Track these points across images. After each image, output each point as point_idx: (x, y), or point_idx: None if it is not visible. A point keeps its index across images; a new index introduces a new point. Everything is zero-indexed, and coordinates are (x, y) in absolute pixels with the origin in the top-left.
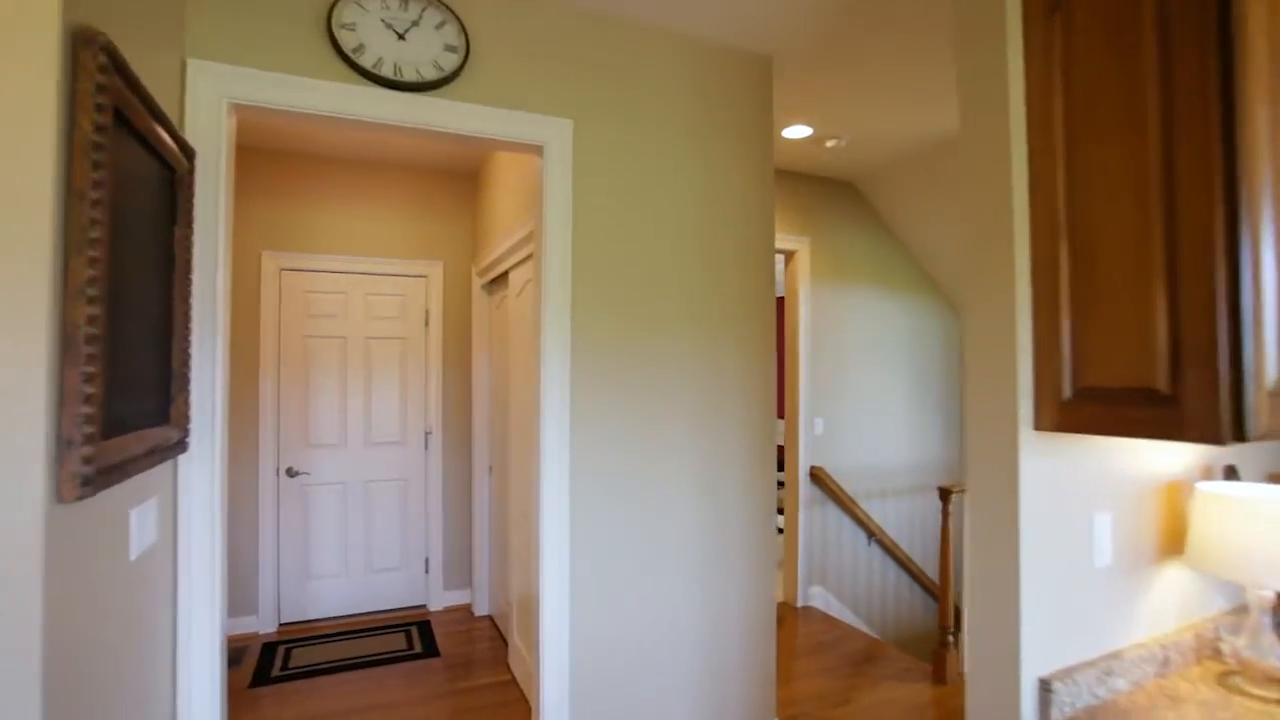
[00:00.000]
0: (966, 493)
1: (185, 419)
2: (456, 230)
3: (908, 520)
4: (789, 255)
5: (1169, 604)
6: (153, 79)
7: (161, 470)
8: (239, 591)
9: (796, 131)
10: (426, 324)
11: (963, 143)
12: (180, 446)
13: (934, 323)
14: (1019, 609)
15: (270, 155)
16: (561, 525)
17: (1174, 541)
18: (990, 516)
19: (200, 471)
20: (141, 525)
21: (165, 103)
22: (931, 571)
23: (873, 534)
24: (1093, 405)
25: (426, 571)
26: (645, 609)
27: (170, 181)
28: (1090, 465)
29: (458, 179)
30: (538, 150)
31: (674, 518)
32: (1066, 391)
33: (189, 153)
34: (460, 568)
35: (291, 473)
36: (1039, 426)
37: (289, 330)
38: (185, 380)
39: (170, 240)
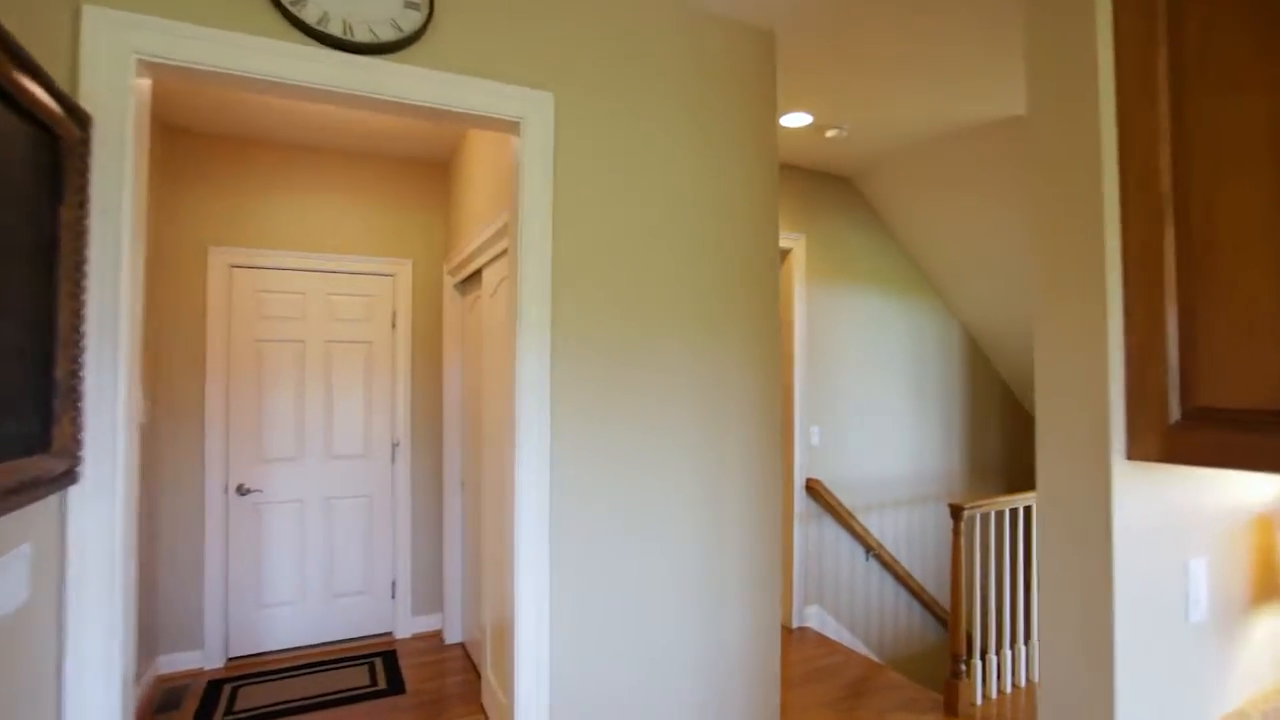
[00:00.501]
0: (1038, 532)
1: (75, 444)
2: (428, 225)
3: (907, 533)
4: (783, 253)
5: (1266, 659)
6: (34, 29)
7: (40, 509)
8: (180, 625)
9: (796, 120)
10: (394, 326)
11: (1033, 112)
12: (68, 478)
13: (931, 326)
14: (1113, 681)
15: (219, 140)
16: (539, 552)
17: (1266, 584)
18: (1072, 565)
19: (97, 508)
20: (2, 583)
21: (51, 57)
22: (933, 588)
23: (871, 549)
24: (1213, 430)
25: (393, 596)
26: (635, 646)
27: (53, 151)
28: (1183, 499)
29: (429, 169)
30: (513, 127)
31: (669, 543)
32: (1174, 413)
33: (81, 118)
34: (430, 591)
35: (243, 490)
36: (1134, 455)
37: (240, 333)
38: (75, 396)
39: (53, 223)
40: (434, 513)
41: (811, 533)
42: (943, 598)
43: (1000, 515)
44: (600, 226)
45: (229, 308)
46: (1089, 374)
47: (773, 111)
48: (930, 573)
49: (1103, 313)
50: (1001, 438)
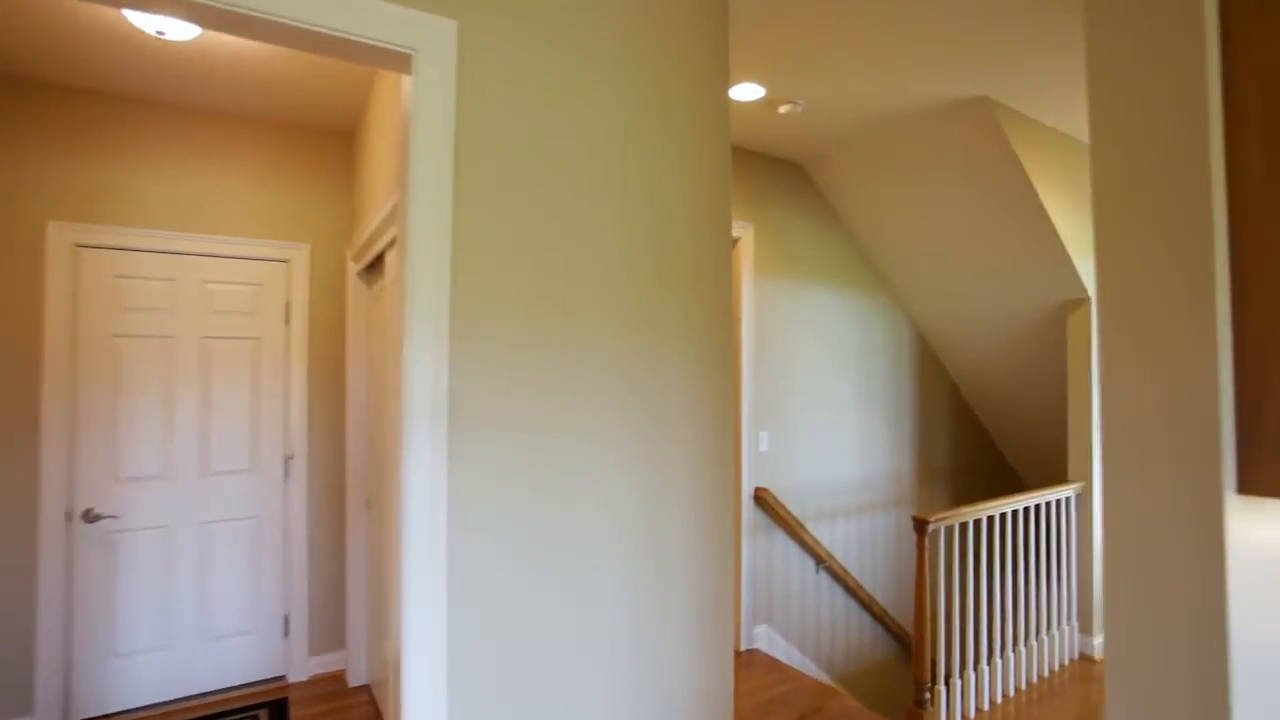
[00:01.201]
0: (1106, 583)
1: None
2: (329, 204)
3: (857, 542)
4: (734, 242)
5: None
6: None
7: None
8: (2, 686)
9: (747, 91)
10: (288, 321)
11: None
12: None
13: (882, 324)
14: None
15: (60, 92)
16: (433, 589)
17: None
18: (1168, 630)
19: None
20: None
21: None
22: (884, 598)
23: (821, 560)
24: None
25: (286, 634)
26: (557, 699)
27: None
28: None
29: (331, 138)
30: (404, 62)
31: (599, 575)
32: None
33: None
34: (331, 626)
35: (91, 516)
36: (1250, 489)
37: (91, 327)
38: None
39: None
40: (336, 535)
41: (760, 546)
42: (894, 607)
43: (965, 527)
44: (515, 193)
45: (74, 296)
46: (1186, 392)
47: (725, 74)
48: (881, 582)
49: (1207, 323)
50: (950, 440)
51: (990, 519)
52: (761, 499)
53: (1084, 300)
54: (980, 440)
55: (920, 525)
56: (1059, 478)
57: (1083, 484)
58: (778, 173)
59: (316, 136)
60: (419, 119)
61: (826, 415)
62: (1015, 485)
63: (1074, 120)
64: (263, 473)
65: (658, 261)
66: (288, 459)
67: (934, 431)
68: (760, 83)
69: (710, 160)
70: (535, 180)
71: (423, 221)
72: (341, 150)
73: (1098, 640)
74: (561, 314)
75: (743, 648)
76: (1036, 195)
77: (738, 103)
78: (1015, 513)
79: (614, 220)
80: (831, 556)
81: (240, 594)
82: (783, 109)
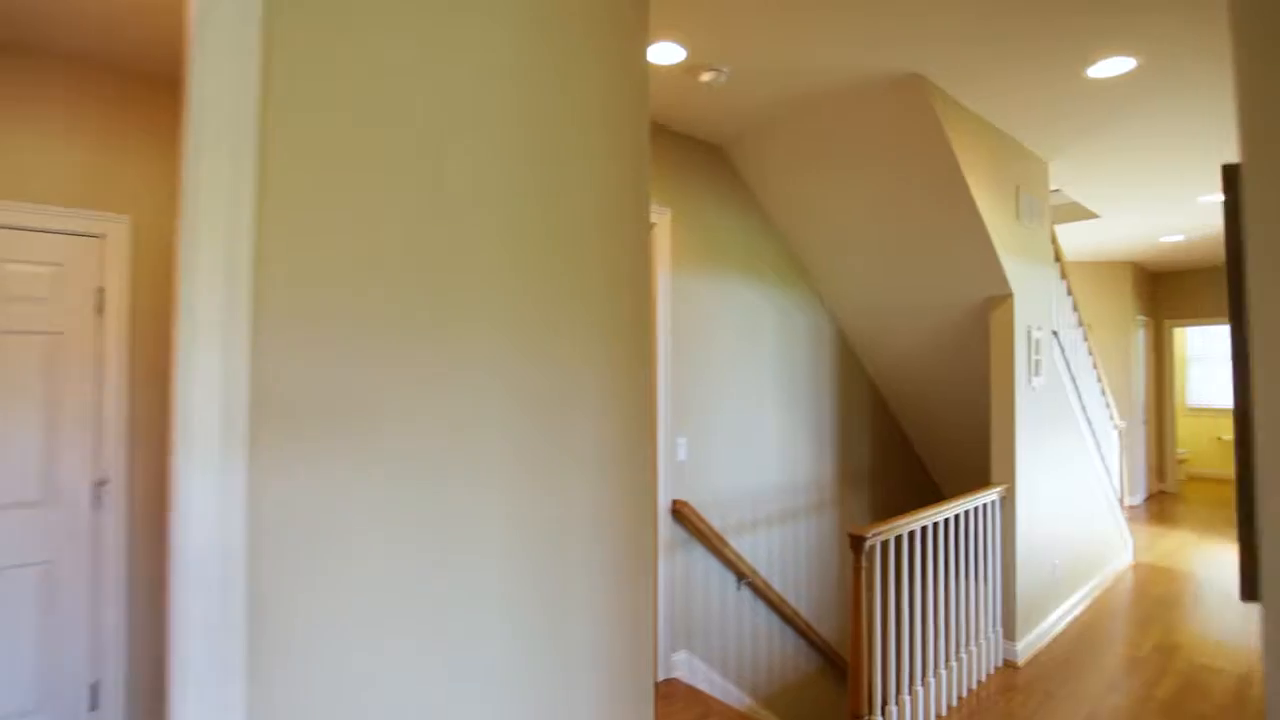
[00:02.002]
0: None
1: None
2: (155, 167)
3: (780, 553)
4: (649, 228)
5: None
6: None
7: None
8: None
9: (666, 53)
10: (100, 311)
11: None
12: None
13: (804, 322)
14: None
15: None
16: (223, 682)
17: None
18: None
19: None
20: None
21: None
22: (807, 610)
23: (743, 576)
24: None
25: (93, 707)
26: None
27: None
28: None
29: (159, 88)
30: None
31: (471, 651)
32: None
33: None
34: (155, 694)
35: None
36: None
37: None
38: None
39: None
40: (162, 579)
41: (679, 565)
42: (817, 619)
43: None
44: (356, 138)
45: None
46: None
47: (643, 21)
48: (804, 594)
49: None
50: (871, 443)
51: (923, 529)
52: (680, 513)
53: (1007, 297)
54: (898, 441)
55: (856, 543)
56: (976, 479)
57: (1006, 486)
58: (698, 155)
59: (143, 84)
60: (203, 36)
61: (748, 419)
62: (931, 487)
63: (999, 106)
64: (61, 502)
65: (559, 248)
66: (99, 485)
67: (855, 434)
68: (681, 44)
69: (625, 117)
70: (384, 125)
71: (209, 175)
72: (169, 100)
73: (1020, 646)
74: (424, 316)
75: (660, 678)
76: (965, 184)
77: (656, 67)
78: (946, 520)
79: (500, 186)
80: (754, 572)
81: (24, 661)
82: (705, 77)
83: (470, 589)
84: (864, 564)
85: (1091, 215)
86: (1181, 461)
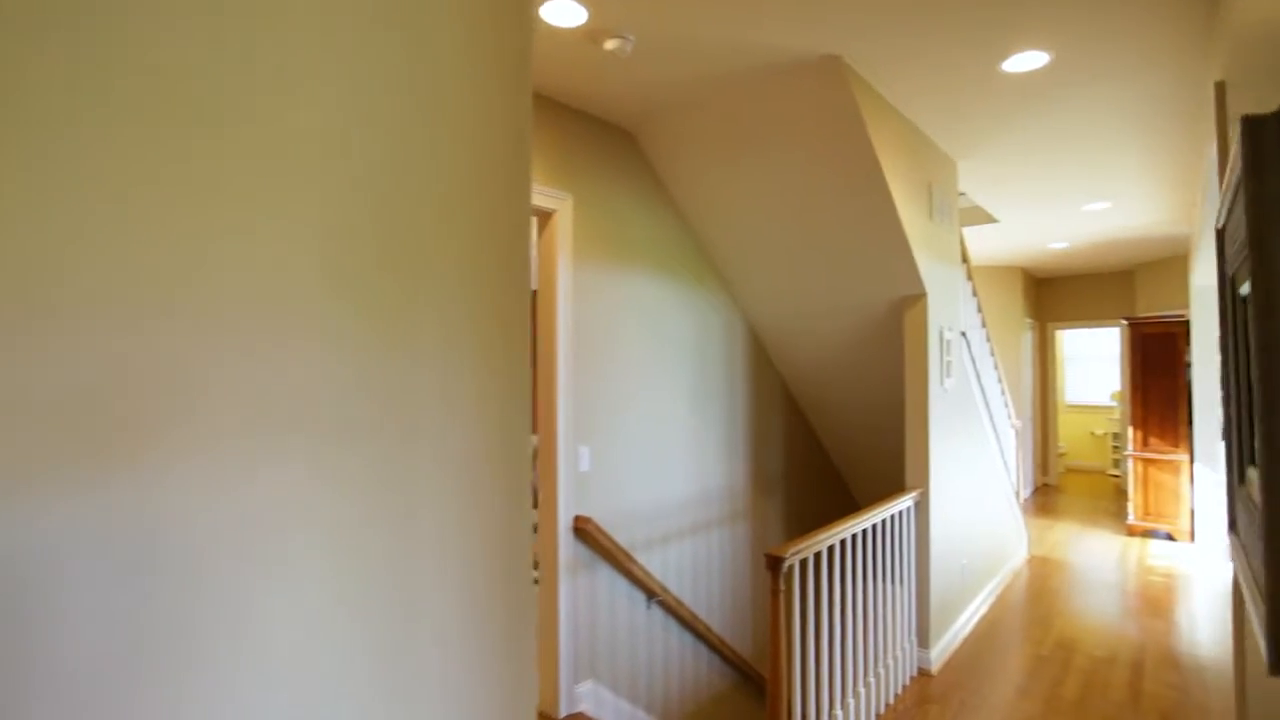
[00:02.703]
0: None
1: None
2: None
3: (691, 567)
4: (544, 215)
5: None
6: None
7: None
8: None
9: (563, 12)
10: None
11: None
12: None
13: (716, 320)
14: None
15: None
16: None
17: None
18: None
19: None
20: None
21: None
22: (719, 624)
23: (653, 594)
24: None
25: None
26: None
27: None
28: None
29: None
30: None
31: None
32: None
33: None
34: None
35: None
36: None
37: None
38: None
39: None
40: None
41: (582, 587)
42: (731, 633)
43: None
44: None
45: None
46: None
47: None
48: (717, 607)
49: None
50: (785, 449)
51: (841, 541)
52: (583, 530)
53: (921, 297)
54: (812, 446)
55: (774, 563)
56: (889, 482)
57: (920, 491)
58: (606, 139)
59: None
60: None
61: (658, 425)
62: (844, 491)
63: (916, 99)
64: None
65: (393, 239)
66: None
67: (769, 440)
68: (581, 2)
69: (499, 86)
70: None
71: None
72: None
73: (934, 653)
74: (205, 296)
75: (563, 714)
76: (883, 177)
77: (553, 29)
78: (864, 531)
79: (319, 153)
80: (665, 589)
81: None
82: (609, 44)
83: (276, 652)
84: (782, 586)
85: (991, 220)
86: (1061, 455)
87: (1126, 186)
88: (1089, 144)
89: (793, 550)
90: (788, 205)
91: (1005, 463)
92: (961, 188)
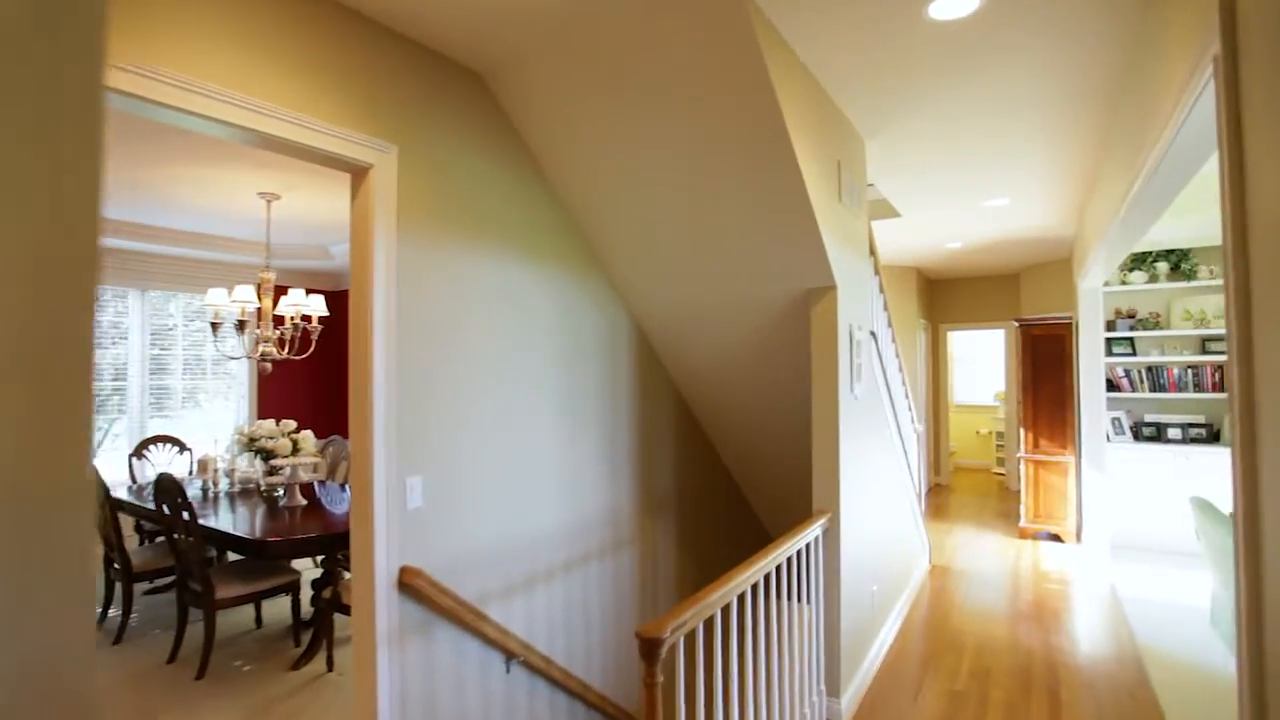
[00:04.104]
0: None
1: None
2: None
3: (564, 612)
4: (357, 170)
5: None
6: None
7: None
8: None
9: None
10: None
11: None
12: None
13: (594, 314)
14: None
15: None
16: None
17: None
18: None
19: None
20: None
21: None
22: (600, 674)
23: (513, 654)
24: None
25: None
26: None
27: None
28: None
29: None
30: None
31: None
32: None
33: None
34: None
35: None
36: None
37: None
38: None
39: None
40: None
41: (415, 659)
42: (614, 682)
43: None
44: None
45: None
46: None
47: None
48: (597, 654)
49: None
50: (676, 462)
51: (739, 596)
52: (410, 585)
53: (830, 289)
54: (708, 459)
55: (650, 648)
56: (793, 495)
57: (830, 516)
58: (450, 81)
59: None
60: None
61: (518, 443)
62: (745, 507)
63: (826, 54)
64: None
65: None
66: None
67: (657, 453)
68: None
69: None
70: None
71: None
72: None
73: (844, 701)
74: None
75: None
76: (789, 142)
77: None
78: (766, 576)
79: None
80: (529, 646)
81: None
82: None
83: None
84: (660, 676)
85: (894, 214)
86: (951, 454)
87: (1027, 183)
88: (1000, 126)
89: (674, 624)
90: (678, 176)
91: (910, 470)
92: (869, 176)
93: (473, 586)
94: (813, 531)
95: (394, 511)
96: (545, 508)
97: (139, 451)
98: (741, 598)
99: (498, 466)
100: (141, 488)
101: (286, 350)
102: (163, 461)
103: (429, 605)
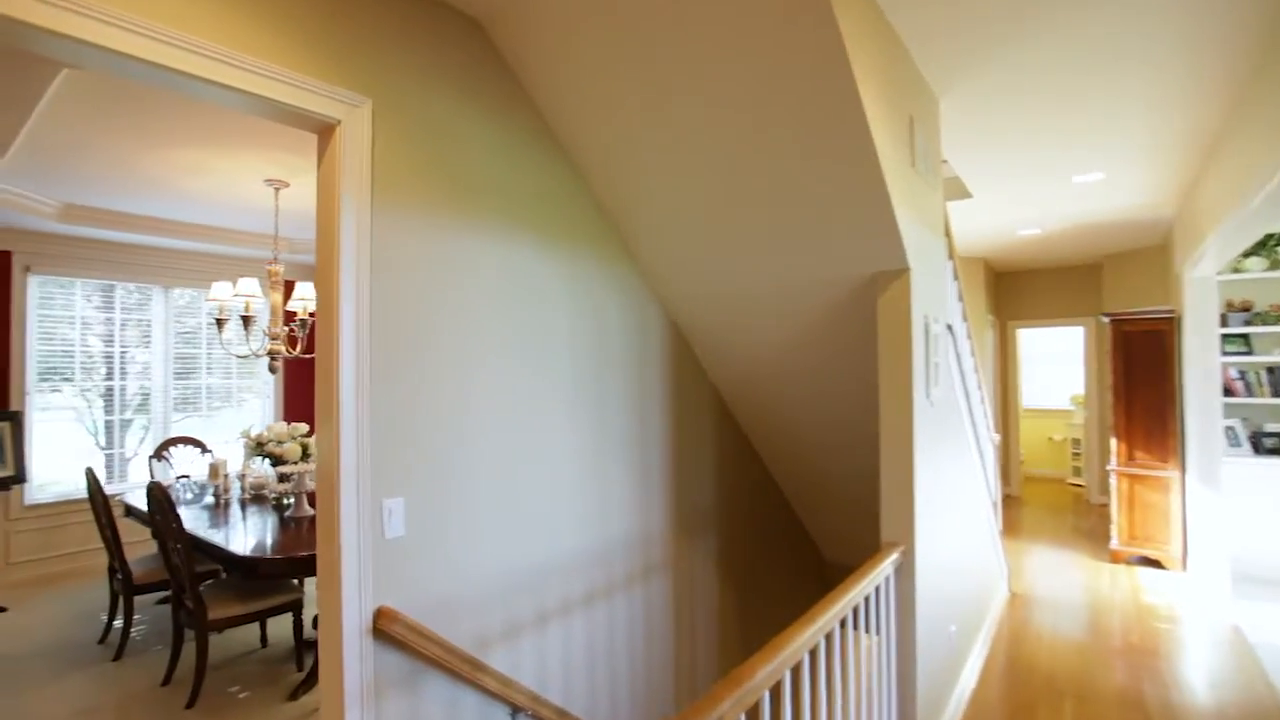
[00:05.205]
0: None
1: None
2: None
3: (586, 653)
4: (322, 133)
5: None
6: None
7: None
8: None
9: None
10: None
11: None
12: None
13: (620, 305)
14: None
15: None
16: None
17: None
18: None
19: None
20: None
21: None
22: (628, 717)
23: (519, 708)
24: None
25: None
26: None
27: None
28: None
29: None
30: None
31: None
32: None
33: None
34: None
35: None
36: None
37: None
38: None
39: None
40: None
41: (394, 718)
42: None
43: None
44: None
45: None
46: None
47: None
48: (625, 697)
49: None
50: (716, 476)
51: (794, 668)
52: (387, 632)
53: (903, 273)
54: (752, 471)
55: None
56: (855, 516)
57: (904, 548)
58: (435, 25)
59: None
60: None
61: (526, 456)
62: (796, 527)
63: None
64: None
65: None
66: None
67: (695, 467)
68: None
69: None
70: None
71: None
72: None
73: None
74: None
75: None
76: (858, 97)
77: None
78: (829, 634)
79: None
80: (538, 698)
81: None
82: None
83: None
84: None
85: (965, 194)
86: (1019, 463)
87: (1125, 153)
88: (1103, 83)
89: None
90: (718, 130)
91: (988, 485)
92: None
93: (470, 627)
94: (883, 571)
95: (367, 542)
96: (560, 530)
97: (159, 453)
98: (796, 668)
99: (500, 483)
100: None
101: (298, 348)
102: (184, 463)
103: (412, 653)
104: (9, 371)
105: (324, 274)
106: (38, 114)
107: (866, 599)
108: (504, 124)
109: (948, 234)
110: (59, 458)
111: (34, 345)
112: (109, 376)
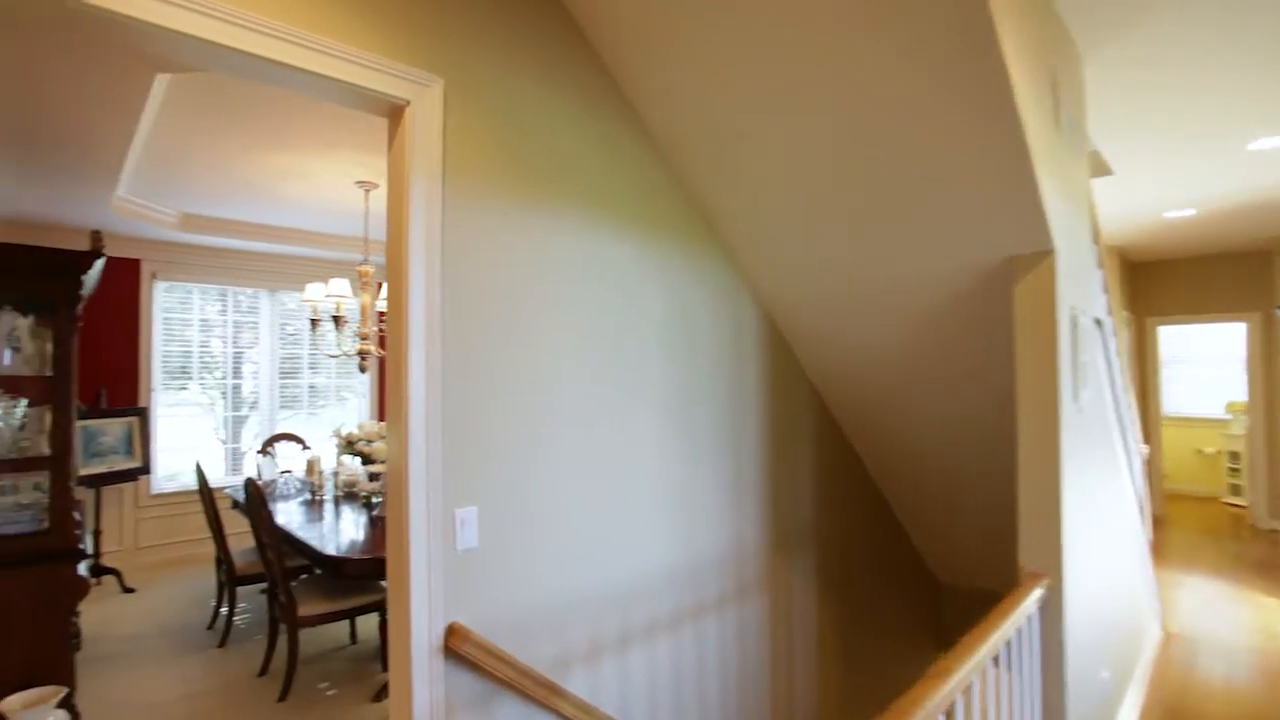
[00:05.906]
0: None
1: None
2: None
3: (670, 675)
4: (392, 114)
5: None
6: None
7: None
8: None
9: None
10: None
11: None
12: None
13: (710, 301)
14: None
15: None
16: None
17: None
18: None
19: None
20: None
21: None
22: None
23: None
24: None
25: None
26: None
27: None
28: None
29: None
30: None
31: None
32: None
33: None
34: None
35: None
36: None
37: None
38: None
39: None
40: None
41: None
42: None
43: None
44: None
45: None
46: None
47: None
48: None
49: None
50: (816, 489)
51: None
52: (459, 651)
53: (1046, 256)
54: (857, 484)
55: None
56: (983, 541)
57: (1049, 581)
58: (512, 6)
59: None
60: None
61: (609, 463)
62: (906, 545)
63: None
64: None
65: None
66: None
67: (791, 474)
68: None
69: None
70: None
71: None
72: None
73: None
74: None
75: None
76: (998, 44)
77: None
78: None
79: None
80: None
81: None
82: None
83: None
84: None
85: (1105, 171)
86: (1162, 478)
87: None
88: None
89: None
90: (830, 101)
91: (1140, 506)
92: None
93: (548, 648)
94: (1025, 609)
95: (438, 554)
96: (643, 544)
97: (265, 449)
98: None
99: (579, 492)
100: (269, 484)
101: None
102: (287, 459)
103: (485, 674)
104: (138, 371)
105: (394, 264)
106: (149, 124)
107: (1008, 643)
108: (584, 103)
109: (1092, 212)
110: (182, 451)
111: (159, 347)
112: (227, 375)
